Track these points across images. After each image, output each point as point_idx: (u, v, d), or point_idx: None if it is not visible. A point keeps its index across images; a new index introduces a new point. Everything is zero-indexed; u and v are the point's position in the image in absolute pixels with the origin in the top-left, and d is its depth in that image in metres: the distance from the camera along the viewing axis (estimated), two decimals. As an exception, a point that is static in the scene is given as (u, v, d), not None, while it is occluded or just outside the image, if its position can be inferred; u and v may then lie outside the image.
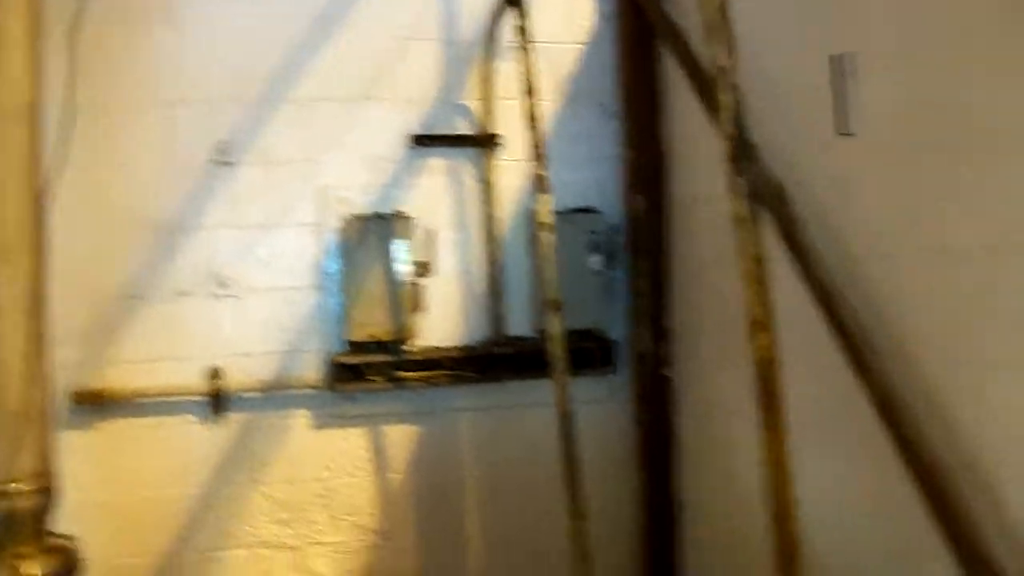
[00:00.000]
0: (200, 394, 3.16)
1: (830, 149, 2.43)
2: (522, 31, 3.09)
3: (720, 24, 1.68)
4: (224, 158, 3.25)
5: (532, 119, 2.94)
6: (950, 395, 2.05)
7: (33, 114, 2.41)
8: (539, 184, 2.92)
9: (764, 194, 2.63)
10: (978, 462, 1.96)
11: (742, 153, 1.65)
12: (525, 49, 3.04)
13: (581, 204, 3.49)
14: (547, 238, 2.90)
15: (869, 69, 2.27)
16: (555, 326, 2.92)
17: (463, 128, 3.48)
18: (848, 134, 2.32)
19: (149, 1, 3.36)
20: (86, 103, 2.75)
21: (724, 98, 1.67)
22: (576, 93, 3.56)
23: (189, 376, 3.18)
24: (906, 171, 2.17)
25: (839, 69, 2.32)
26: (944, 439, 2.04)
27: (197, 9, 3.26)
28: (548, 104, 3.43)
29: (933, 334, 2.12)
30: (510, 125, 3.35)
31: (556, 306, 2.97)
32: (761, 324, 1.68)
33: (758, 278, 1.66)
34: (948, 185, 2.03)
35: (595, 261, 3.43)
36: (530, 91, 2.97)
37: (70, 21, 2.75)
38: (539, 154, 2.93)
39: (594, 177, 3.54)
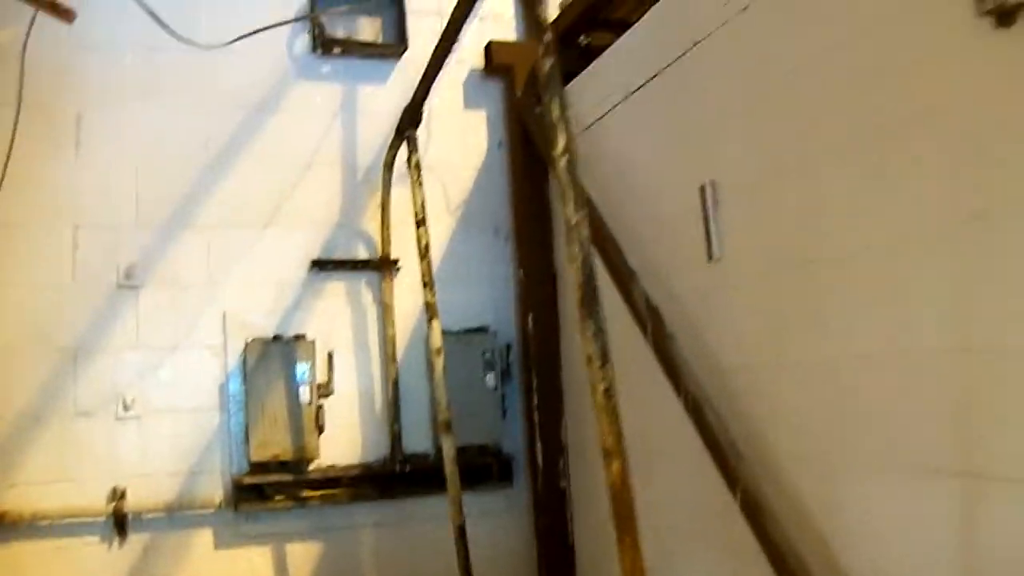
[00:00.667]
0: (103, 515, 4.08)
1: (701, 271, 3.47)
2: (413, 165, 4.24)
3: (570, 184, 2.51)
4: (129, 281, 4.31)
5: (422, 249, 4.13)
6: (813, 501, 2.81)
7: None
8: (430, 310, 4.06)
9: (642, 313, 3.88)
10: (842, 566, 2.73)
11: (591, 298, 2.38)
12: (418, 183, 4.19)
13: (476, 323, 4.66)
14: (438, 362, 4.03)
15: (730, 197, 3.30)
16: (448, 446, 4.00)
17: (362, 252, 4.64)
18: (715, 258, 3.38)
19: (56, 126, 4.49)
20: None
21: (573, 250, 2.43)
22: (471, 216, 4.81)
23: (91, 497, 4.10)
24: (766, 290, 3.11)
25: (705, 198, 3.40)
26: (811, 544, 2.79)
27: (102, 135, 4.36)
28: (444, 227, 4.72)
29: (796, 443, 2.92)
30: (408, 248, 4.48)
31: (448, 427, 4.04)
32: (613, 453, 2.38)
33: (608, 410, 2.38)
34: (803, 301, 2.89)
35: (490, 378, 4.58)
36: (420, 222, 4.14)
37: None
38: (428, 282, 4.07)
39: (489, 297, 4.75)
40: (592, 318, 2.36)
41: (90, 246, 4.29)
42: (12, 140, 3.91)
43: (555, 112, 2.32)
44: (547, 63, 2.37)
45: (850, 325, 2.73)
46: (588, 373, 2.40)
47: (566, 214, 2.41)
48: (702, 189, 3.39)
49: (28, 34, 3.42)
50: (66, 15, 3.51)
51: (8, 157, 3.84)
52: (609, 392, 2.35)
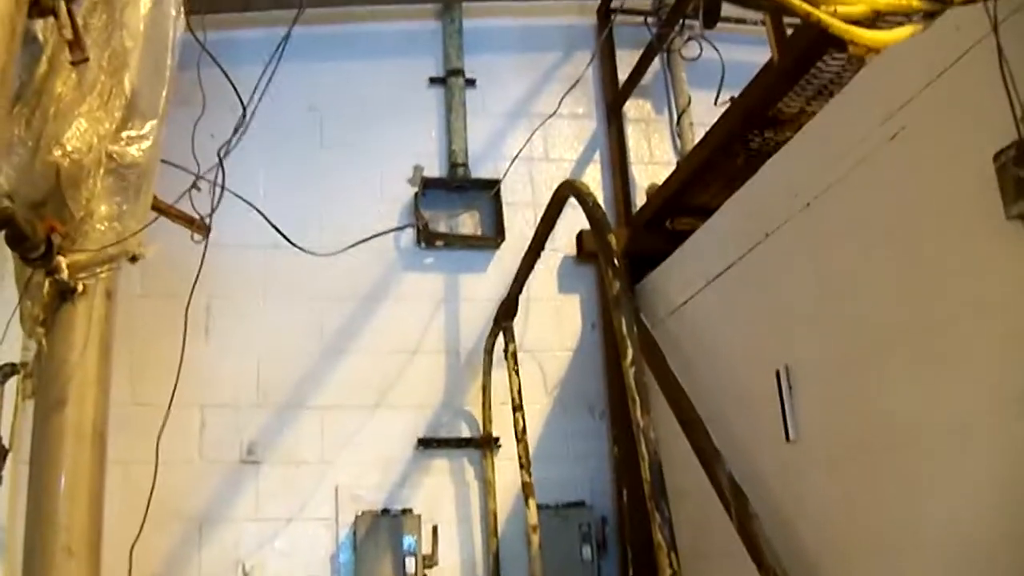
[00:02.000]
0: None
1: (779, 451, 4.11)
2: (510, 354, 5.03)
3: (636, 392, 3.21)
4: (250, 457, 5.26)
5: (519, 433, 4.99)
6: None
7: (102, 436, 4.69)
8: (526, 490, 4.85)
9: (727, 493, 4.90)
10: None
11: (659, 493, 3.08)
12: (514, 371, 5.01)
13: (573, 498, 5.43)
14: (534, 539, 4.75)
15: (804, 381, 3.97)
16: (545, 618, 5.03)
17: (465, 431, 5.49)
18: (791, 439, 4.07)
19: (189, 315, 5.85)
20: (133, 403, 5.22)
21: (641, 450, 3.13)
22: (567, 395, 5.64)
23: (213, 661, 4.95)
24: (839, 472, 3.70)
25: (781, 381, 4.10)
26: None
27: (229, 324, 5.39)
28: (542, 406, 5.52)
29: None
30: (509, 426, 5.31)
31: None
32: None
33: None
34: (872, 484, 3.47)
35: (586, 551, 5.28)
36: (517, 407, 4.93)
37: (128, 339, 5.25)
38: (525, 463, 4.81)
39: (585, 473, 5.52)
40: (659, 511, 3.04)
41: (216, 425, 5.28)
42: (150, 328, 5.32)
43: (624, 329, 3.11)
44: (616, 286, 3.16)
45: (913, 507, 3.28)
46: (658, 560, 3.02)
47: (634, 417, 3.15)
48: (777, 373, 4.09)
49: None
50: (202, 230, 4.86)
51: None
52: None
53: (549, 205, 4.37)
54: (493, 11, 6.44)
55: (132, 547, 4.61)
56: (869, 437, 3.61)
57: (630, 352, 3.07)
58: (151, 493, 4.71)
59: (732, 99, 5.04)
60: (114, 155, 3.78)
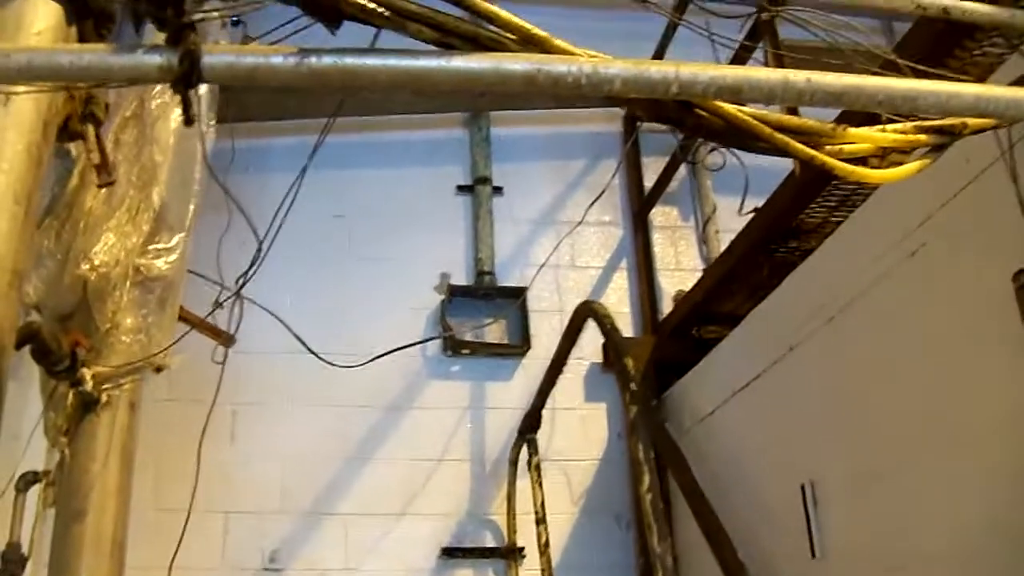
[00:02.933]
0: None
1: (805, 568, 4.04)
2: (533, 467, 5.19)
3: (654, 519, 3.42)
4: (272, 565, 5.20)
5: (542, 545, 4.95)
6: None
7: (121, 547, 4.65)
8: None
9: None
10: None
11: None
12: (538, 483, 5.03)
13: None
14: None
15: (830, 496, 3.91)
16: None
17: (489, 540, 5.41)
18: (817, 556, 4.03)
19: (213, 420, 5.90)
20: (156, 508, 5.23)
21: None
22: (593, 505, 5.56)
23: None
24: None
25: (806, 496, 4.04)
26: None
27: (252, 432, 5.48)
28: (567, 515, 5.45)
29: None
30: (534, 537, 5.28)
31: None
32: None
33: None
34: None
35: None
36: (540, 520, 4.91)
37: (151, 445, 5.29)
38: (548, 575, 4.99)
39: None
40: None
41: (238, 531, 5.25)
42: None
43: (640, 454, 3.35)
44: (632, 410, 3.36)
45: None
46: None
47: (651, 544, 3.15)
48: (803, 488, 4.05)
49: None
50: (226, 340, 4.92)
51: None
52: None
53: (569, 325, 4.40)
54: (520, 120, 6.53)
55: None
56: (892, 558, 3.57)
57: (647, 478, 3.06)
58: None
59: (755, 210, 5.06)
60: (141, 268, 3.84)
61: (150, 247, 3.97)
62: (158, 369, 3.99)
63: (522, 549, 5.46)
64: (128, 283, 3.83)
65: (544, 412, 5.28)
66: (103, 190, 3.86)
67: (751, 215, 5.17)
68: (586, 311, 4.06)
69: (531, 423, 5.09)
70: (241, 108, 5.77)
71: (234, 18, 4.66)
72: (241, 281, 4.55)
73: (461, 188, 6.34)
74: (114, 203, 3.84)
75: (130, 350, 3.84)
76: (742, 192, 5.82)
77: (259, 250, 3.34)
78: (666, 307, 6.14)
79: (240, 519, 5.38)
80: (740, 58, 4.46)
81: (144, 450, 5.00)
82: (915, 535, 3.45)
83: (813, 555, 4.03)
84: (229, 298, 3.78)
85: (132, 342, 3.83)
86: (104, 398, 3.79)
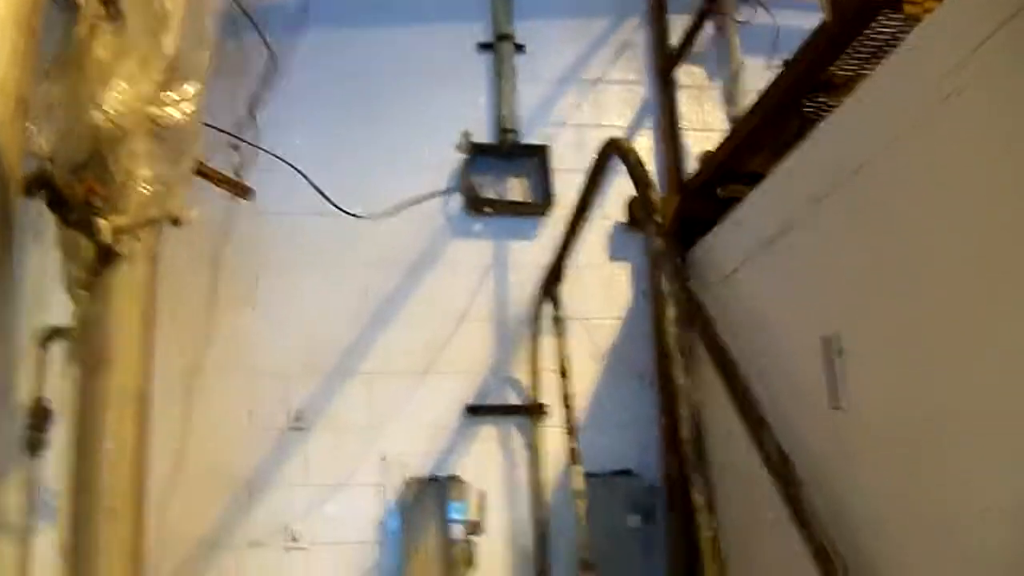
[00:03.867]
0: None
1: (826, 420, 3.98)
2: (557, 320, 4.99)
3: (676, 352, 3.19)
4: (298, 424, 5.27)
5: (567, 398, 4.88)
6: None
7: (145, 399, 4.65)
8: (572, 456, 4.76)
9: (774, 461, 4.77)
10: None
11: (698, 455, 3.09)
12: (560, 335, 4.99)
13: (621, 466, 5.34)
14: (580, 505, 4.65)
15: (855, 348, 3.83)
16: (590, 586, 4.80)
17: (513, 399, 5.41)
18: (839, 408, 3.99)
19: (234, 287, 5.88)
20: (180, 372, 5.25)
21: (682, 411, 3.18)
22: (617, 363, 5.55)
23: (259, 624, 4.92)
24: (891, 442, 3.56)
25: (829, 348, 3.99)
26: None
27: (275, 293, 5.39)
28: (591, 374, 5.44)
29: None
30: (557, 394, 5.26)
31: (587, 566, 4.63)
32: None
33: (713, 555, 2.97)
34: (929, 455, 3.31)
35: (634, 520, 5.27)
36: (563, 373, 4.87)
37: (172, 306, 5.26)
38: (571, 430, 4.73)
39: (634, 441, 5.42)
40: (699, 471, 2.98)
41: (264, 392, 5.28)
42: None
43: (666, 286, 3.09)
44: (657, 243, 3.12)
45: (982, 482, 3.10)
46: (697, 522, 3.00)
47: (675, 378, 3.11)
48: (829, 340, 3.99)
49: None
50: (245, 193, 4.84)
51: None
52: (715, 540, 2.93)
53: (594, 165, 4.26)
54: (543, -25, 6.25)
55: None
56: (921, 409, 3.47)
57: (671, 310, 2.96)
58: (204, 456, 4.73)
59: (784, 62, 4.87)
60: (155, 118, 3.71)
61: (164, 96, 3.83)
62: (176, 222, 3.89)
63: (545, 406, 5.41)
64: (142, 132, 3.71)
65: (568, 271, 5.17)
66: (112, 39, 3.72)
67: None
68: (611, 148, 3.92)
69: (554, 276, 5.02)
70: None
71: None
72: (254, 107, 4.43)
73: (482, 46, 6.16)
74: (124, 51, 3.70)
75: (147, 201, 3.75)
76: (770, 48, 5.65)
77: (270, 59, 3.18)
78: (692, 167, 5.94)
79: (265, 380, 5.39)
80: None
81: (167, 317, 5.00)
82: (943, 391, 3.33)
83: (836, 407, 3.96)
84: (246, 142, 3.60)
85: (149, 193, 3.73)
86: (122, 250, 3.69)
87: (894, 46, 4.26)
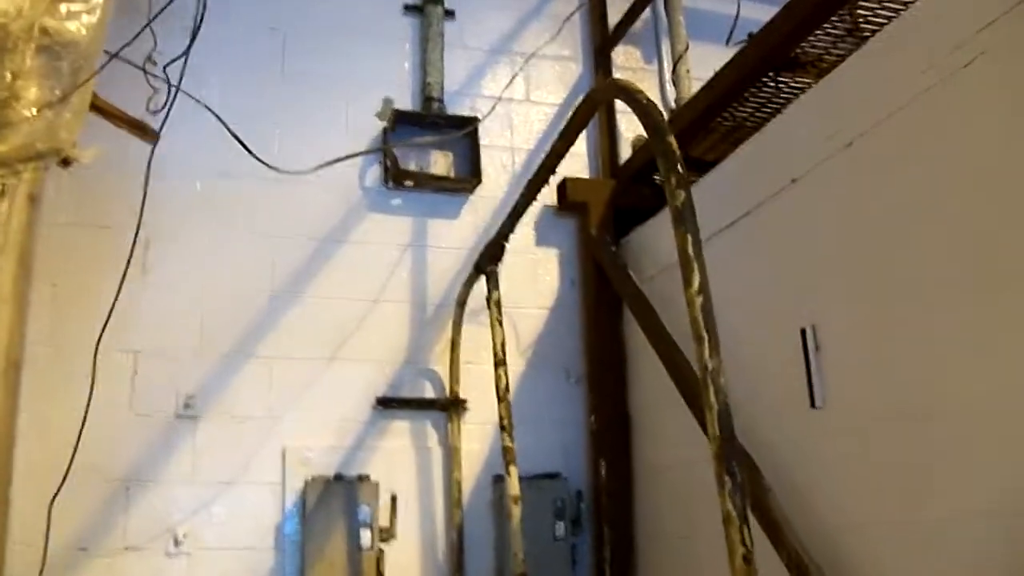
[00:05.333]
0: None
1: (802, 419, 3.61)
2: (493, 302, 4.37)
3: (706, 328, 2.54)
4: (187, 411, 4.59)
5: (501, 391, 4.28)
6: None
7: (16, 366, 3.94)
8: (507, 455, 4.21)
9: (735, 462, 4.28)
10: None
11: (730, 453, 2.40)
12: (498, 321, 4.35)
13: (546, 469, 4.87)
14: (515, 511, 4.11)
15: (834, 342, 3.46)
16: (520, 600, 4.33)
17: (429, 391, 4.89)
18: (817, 406, 3.54)
19: (124, 249, 5.09)
20: (56, 344, 4.40)
21: (709, 399, 2.46)
22: (542, 358, 5.09)
23: (134, 639, 4.19)
24: (873, 442, 3.22)
25: (807, 341, 3.59)
26: None
27: (169, 261, 4.74)
28: (514, 368, 4.87)
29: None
30: (475, 389, 4.80)
31: None
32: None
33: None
34: (913, 456, 3.02)
35: (560, 528, 4.76)
36: (500, 363, 4.28)
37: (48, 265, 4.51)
38: (507, 425, 4.20)
39: (559, 442, 4.97)
40: (730, 474, 2.39)
41: (149, 374, 4.60)
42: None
43: (690, 248, 2.57)
44: (680, 196, 2.58)
45: (963, 483, 2.87)
46: (727, 535, 2.38)
47: (702, 360, 2.50)
48: (803, 332, 3.62)
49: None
50: (148, 135, 4.17)
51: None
52: (748, 558, 2.33)
53: (577, 111, 3.77)
54: (476, -62, 5.75)
55: (51, 503, 3.91)
56: (907, 404, 3.16)
57: (696, 278, 2.44)
58: (76, 445, 4.04)
59: (750, 35, 4.49)
60: (49, 29, 3.05)
61: (61, 7, 3.18)
62: (65, 162, 3.22)
63: (465, 401, 4.88)
64: (33, 44, 3.05)
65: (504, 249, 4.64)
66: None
67: (736, 49, 4.60)
68: (611, 91, 3.42)
69: (493, 253, 4.48)
70: None
71: None
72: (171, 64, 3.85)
73: (408, 8, 5.63)
74: (17, -54, 3.03)
75: (32, 128, 3.08)
76: (712, 37, 5.34)
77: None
78: (625, 153, 5.51)
79: (151, 360, 4.72)
80: None
81: (42, 279, 4.30)
82: (930, 386, 3.06)
83: (813, 404, 3.61)
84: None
85: (35, 118, 3.07)
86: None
87: (877, 22, 3.93)
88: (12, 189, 3.05)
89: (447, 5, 5.67)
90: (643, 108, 2.73)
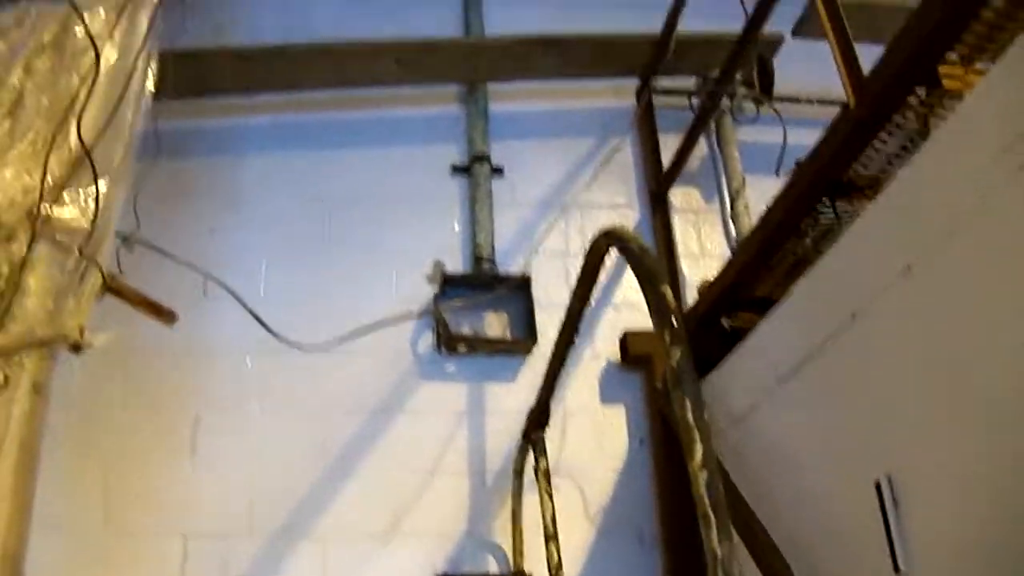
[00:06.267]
0: None
1: None
2: (541, 473, 4.19)
3: (711, 508, 2.54)
4: None
5: (553, 568, 4.06)
6: None
7: (14, 561, 3.66)
8: None
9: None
10: None
11: None
12: (546, 492, 4.15)
13: None
14: None
15: (914, 494, 3.10)
16: None
17: (493, 566, 4.57)
18: (902, 571, 3.11)
19: (173, 430, 5.03)
20: (107, 531, 4.24)
21: None
22: (612, 522, 4.73)
23: None
24: None
25: (882, 495, 3.20)
26: None
27: (219, 440, 4.63)
28: (583, 535, 4.62)
29: None
30: (543, 561, 4.36)
31: None
32: None
33: None
34: None
35: None
36: (550, 537, 4.08)
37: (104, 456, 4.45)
38: None
39: None
40: None
41: (200, 557, 4.43)
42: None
43: (689, 415, 2.25)
44: (675, 354, 2.31)
45: None
46: None
47: (710, 545, 2.17)
48: (878, 485, 3.25)
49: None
50: (167, 317, 4.07)
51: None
52: None
53: (584, 266, 3.56)
54: (520, 94, 5.78)
55: None
56: (1001, 562, 2.77)
57: (698, 448, 2.11)
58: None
59: (798, 163, 4.26)
60: (51, 216, 2.99)
61: (65, 194, 3.13)
62: (75, 347, 3.12)
63: (530, 575, 4.54)
64: (33, 232, 2.99)
65: (554, 416, 4.42)
66: (7, 123, 3.07)
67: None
68: (606, 239, 3.21)
69: (537, 419, 4.22)
70: (209, 79, 5.12)
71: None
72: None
73: (456, 168, 5.53)
74: (17, 134, 3.03)
75: (35, 318, 2.99)
76: (773, 167, 5.15)
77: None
78: (690, 298, 5.27)
79: (202, 543, 4.55)
80: None
81: (92, 466, 4.25)
82: None
83: (896, 568, 3.17)
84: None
85: (38, 308, 2.98)
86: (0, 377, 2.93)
87: (923, 136, 3.67)
88: (14, 379, 2.94)
89: (495, 162, 5.63)
90: (633, 256, 2.50)
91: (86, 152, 3.20)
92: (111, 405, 4.61)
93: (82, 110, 3.26)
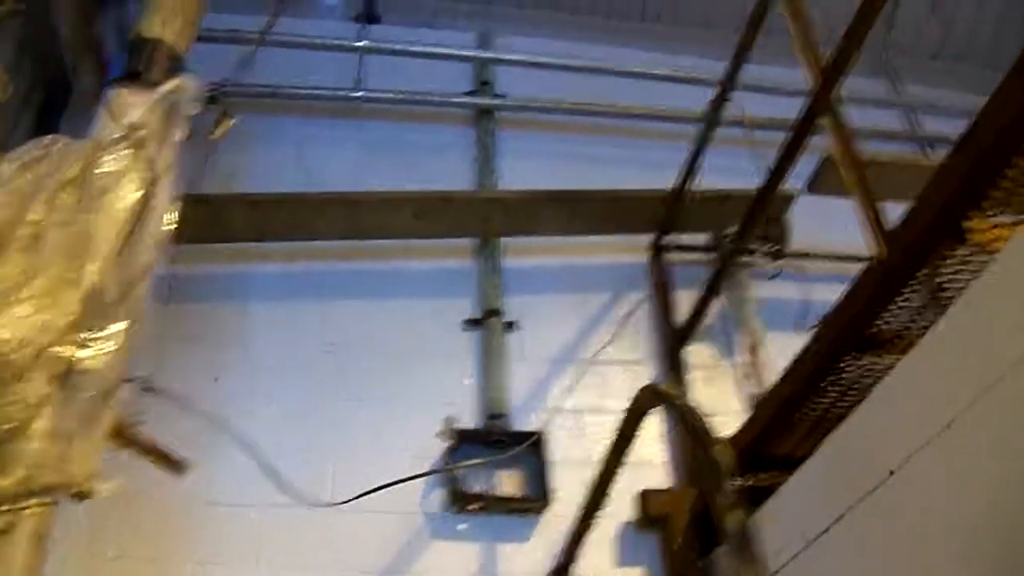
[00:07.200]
0: None
1: None
2: None
3: None
4: None
5: None
6: None
7: None
8: None
9: None
10: None
11: None
12: None
13: None
14: None
15: None
16: None
17: None
18: None
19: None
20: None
21: None
22: None
23: None
24: None
25: None
26: None
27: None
28: None
29: None
30: None
31: None
32: None
33: None
34: None
35: None
36: None
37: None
38: None
39: None
40: None
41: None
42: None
43: None
44: (734, 518, 2.23)
45: None
46: None
47: None
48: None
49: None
50: (178, 467, 3.95)
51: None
52: None
53: (624, 424, 3.46)
54: (534, 249, 5.79)
55: None
56: None
57: None
58: None
59: (823, 319, 4.20)
60: (62, 357, 2.90)
61: (78, 335, 3.05)
62: (79, 495, 2.99)
63: None
64: (41, 373, 2.89)
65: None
66: (19, 255, 3.01)
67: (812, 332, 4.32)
68: (651, 397, 3.11)
69: (557, 587, 4.02)
70: (223, 227, 5.14)
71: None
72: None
73: (469, 322, 5.45)
74: (32, 271, 2.96)
75: (40, 463, 2.86)
76: (788, 325, 5.11)
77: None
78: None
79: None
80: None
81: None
82: None
83: None
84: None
85: (43, 452, 2.86)
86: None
87: (948, 291, 3.63)
88: (14, 527, 2.80)
89: (508, 317, 5.58)
90: (683, 414, 2.43)
91: (103, 293, 3.12)
92: (105, 557, 4.42)
93: (102, 249, 3.20)
